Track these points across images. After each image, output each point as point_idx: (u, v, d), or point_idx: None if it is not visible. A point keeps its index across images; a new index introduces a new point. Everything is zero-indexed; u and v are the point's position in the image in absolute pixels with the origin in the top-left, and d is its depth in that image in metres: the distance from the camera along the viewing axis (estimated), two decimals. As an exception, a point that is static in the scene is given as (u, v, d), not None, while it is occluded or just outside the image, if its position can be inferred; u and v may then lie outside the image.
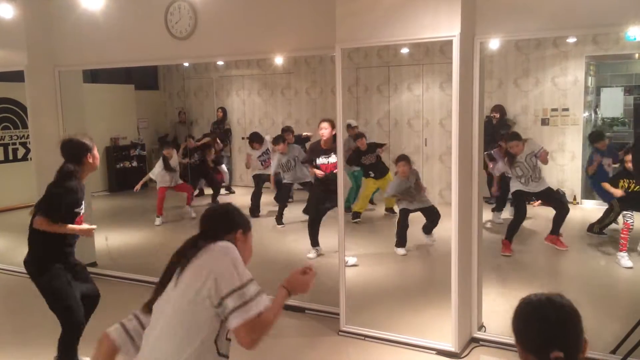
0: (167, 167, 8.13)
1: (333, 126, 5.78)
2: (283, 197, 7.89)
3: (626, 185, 5.79)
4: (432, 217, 6.25)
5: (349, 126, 8.09)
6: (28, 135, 7.82)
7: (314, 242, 6.18)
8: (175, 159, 8.33)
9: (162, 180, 8.14)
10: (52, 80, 5.72)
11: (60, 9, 5.57)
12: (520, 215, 6.18)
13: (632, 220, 5.61)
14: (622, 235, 5.63)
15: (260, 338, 1.89)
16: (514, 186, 6.23)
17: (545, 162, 6.15)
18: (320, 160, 6.06)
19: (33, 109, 5.74)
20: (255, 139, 8.43)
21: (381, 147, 7.84)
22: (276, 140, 7.73)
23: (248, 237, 2.16)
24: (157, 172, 8.17)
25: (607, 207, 6.84)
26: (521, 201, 6.24)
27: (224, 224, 2.11)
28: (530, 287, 5.14)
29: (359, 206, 7.80)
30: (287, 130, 8.67)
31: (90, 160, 3.47)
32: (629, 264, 5.51)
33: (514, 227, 6.11)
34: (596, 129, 7.76)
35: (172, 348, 1.83)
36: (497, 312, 4.42)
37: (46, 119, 5.74)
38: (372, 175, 7.66)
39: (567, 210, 6.14)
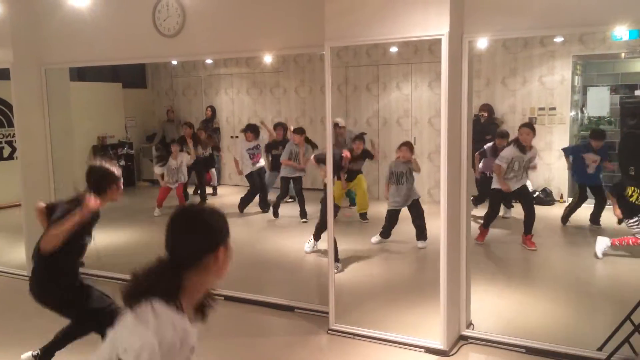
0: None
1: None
2: (284, 189, 8.12)
3: (635, 195, 5.63)
4: (417, 211, 6.35)
5: (336, 125, 8.06)
6: (14, 134, 7.74)
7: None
8: (181, 158, 8.46)
9: (167, 180, 8.41)
10: (38, 78, 5.66)
11: (47, 6, 5.51)
12: (494, 211, 6.49)
13: None
14: (627, 240, 5.67)
15: None
16: (494, 184, 6.41)
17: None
18: None
19: (19, 108, 5.67)
20: (251, 130, 8.48)
21: (370, 158, 7.56)
22: (298, 131, 7.99)
23: (228, 248, 1.67)
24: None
25: (594, 203, 6.97)
26: (498, 199, 6.48)
27: (204, 242, 1.62)
28: (518, 285, 5.18)
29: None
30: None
31: (114, 193, 3.31)
32: (600, 254, 5.72)
33: (489, 219, 6.44)
34: (597, 128, 7.89)
35: None
36: (486, 310, 4.45)
37: (32, 118, 5.68)
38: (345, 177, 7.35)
39: (533, 213, 6.24)
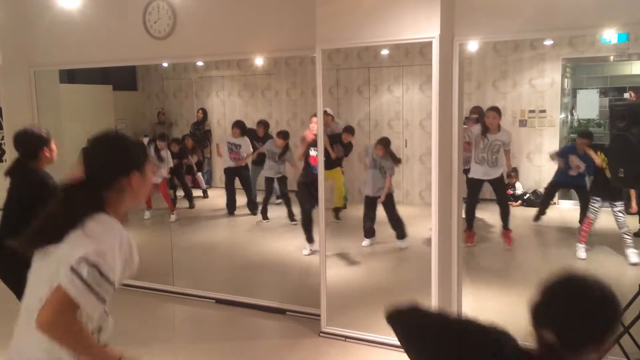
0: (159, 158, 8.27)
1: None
2: (268, 189, 8.03)
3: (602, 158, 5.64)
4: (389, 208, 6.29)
5: (325, 112, 8.01)
6: (3, 136, 7.67)
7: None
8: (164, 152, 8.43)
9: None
10: (27, 81, 5.62)
11: (36, 7, 5.47)
12: (471, 200, 6.35)
13: (594, 216, 5.69)
14: (583, 228, 5.79)
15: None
16: (471, 171, 6.34)
17: (508, 162, 6.40)
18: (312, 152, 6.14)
19: (8, 110, 5.63)
20: (238, 126, 8.50)
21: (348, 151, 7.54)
22: (282, 135, 7.81)
23: (145, 176, 1.75)
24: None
25: (580, 205, 6.99)
26: (473, 187, 6.40)
27: (118, 164, 1.70)
28: (509, 286, 5.20)
29: None
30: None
31: (47, 154, 3.26)
32: (583, 255, 5.78)
33: (468, 213, 6.29)
34: (584, 131, 7.93)
35: None
36: (477, 311, 4.45)
37: (21, 120, 5.59)
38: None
39: (506, 206, 6.26)
